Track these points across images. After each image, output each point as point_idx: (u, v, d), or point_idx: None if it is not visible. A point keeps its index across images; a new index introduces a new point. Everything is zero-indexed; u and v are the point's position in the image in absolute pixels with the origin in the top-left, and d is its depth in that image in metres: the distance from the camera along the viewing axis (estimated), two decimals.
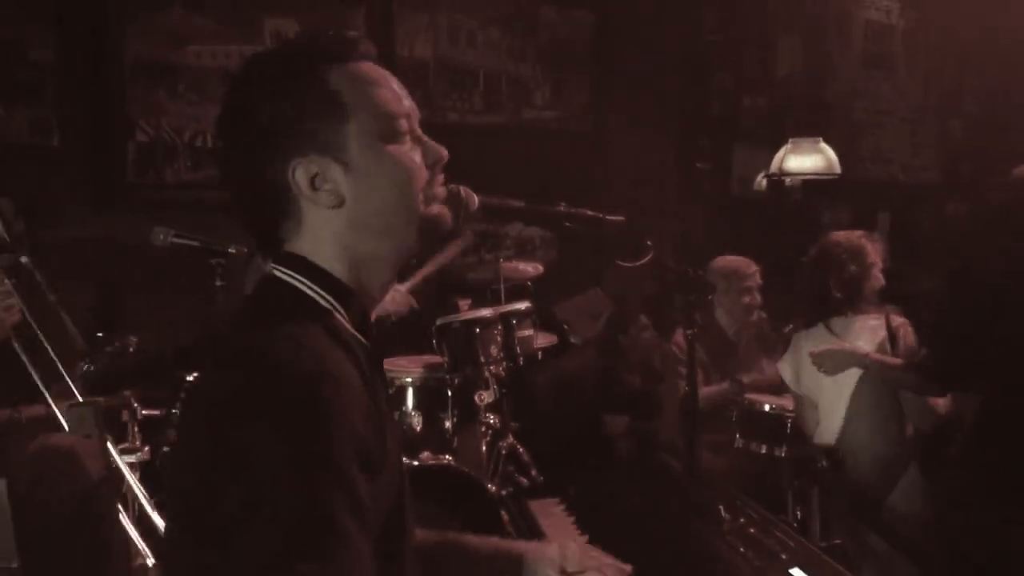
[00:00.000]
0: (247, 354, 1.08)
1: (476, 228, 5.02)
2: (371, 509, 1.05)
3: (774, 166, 5.17)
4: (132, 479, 2.62)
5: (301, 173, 1.15)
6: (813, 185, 5.54)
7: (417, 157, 1.21)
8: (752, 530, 1.48)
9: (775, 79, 6.44)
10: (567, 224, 1.43)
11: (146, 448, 2.91)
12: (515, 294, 3.89)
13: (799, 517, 3.34)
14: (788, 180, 5.26)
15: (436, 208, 1.22)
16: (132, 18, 4.25)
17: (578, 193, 5.59)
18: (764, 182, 5.87)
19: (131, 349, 2.91)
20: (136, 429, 2.92)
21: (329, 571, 0.97)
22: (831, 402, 3.31)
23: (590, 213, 1.43)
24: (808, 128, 5.74)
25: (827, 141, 5.24)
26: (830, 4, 6.60)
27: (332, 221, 1.18)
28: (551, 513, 1.79)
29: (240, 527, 0.98)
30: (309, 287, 1.17)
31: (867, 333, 3.32)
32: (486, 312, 3.37)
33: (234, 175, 1.20)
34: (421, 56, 4.97)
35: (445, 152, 1.24)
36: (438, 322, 3.36)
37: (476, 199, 1.32)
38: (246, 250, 2.80)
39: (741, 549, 1.42)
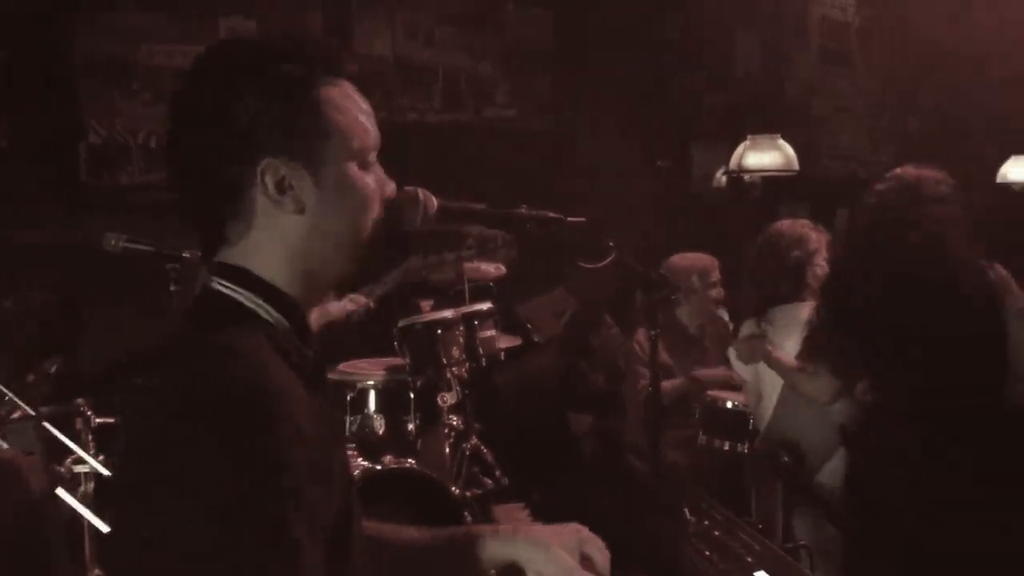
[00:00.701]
0: (190, 369, 1.06)
1: (437, 228, 4.99)
2: (321, 516, 1.06)
3: (733, 163, 5.19)
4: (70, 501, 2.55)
5: (271, 173, 1.14)
6: (772, 182, 5.58)
7: (373, 185, 1.21)
8: (717, 533, 1.47)
9: (734, 77, 6.47)
10: (528, 226, 1.41)
11: (101, 456, 2.84)
12: (477, 295, 3.86)
13: (762, 512, 3.35)
14: (747, 177, 5.29)
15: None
16: (84, 16, 4.17)
17: (539, 192, 5.58)
18: (724, 179, 5.90)
19: (52, 371, 2.84)
20: (90, 438, 2.85)
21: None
22: (769, 390, 3.31)
23: (551, 215, 1.42)
24: (767, 125, 5.78)
25: (786, 138, 5.27)
26: (787, 2, 6.66)
27: (285, 228, 1.16)
28: (516, 518, 1.77)
29: (192, 535, 0.97)
30: (251, 300, 1.15)
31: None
32: (448, 313, 3.34)
33: (192, 163, 1.16)
34: (380, 54, 4.93)
35: (394, 187, 1.25)
36: (400, 324, 3.32)
37: (435, 202, 1.30)
38: (201, 254, 2.75)
39: (707, 552, 1.41)
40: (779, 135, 5.10)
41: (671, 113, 6.22)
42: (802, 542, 2.24)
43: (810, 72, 6.84)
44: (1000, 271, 2.64)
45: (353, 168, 1.18)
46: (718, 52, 6.37)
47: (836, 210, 6.86)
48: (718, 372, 3.93)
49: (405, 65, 5.01)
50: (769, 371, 3.25)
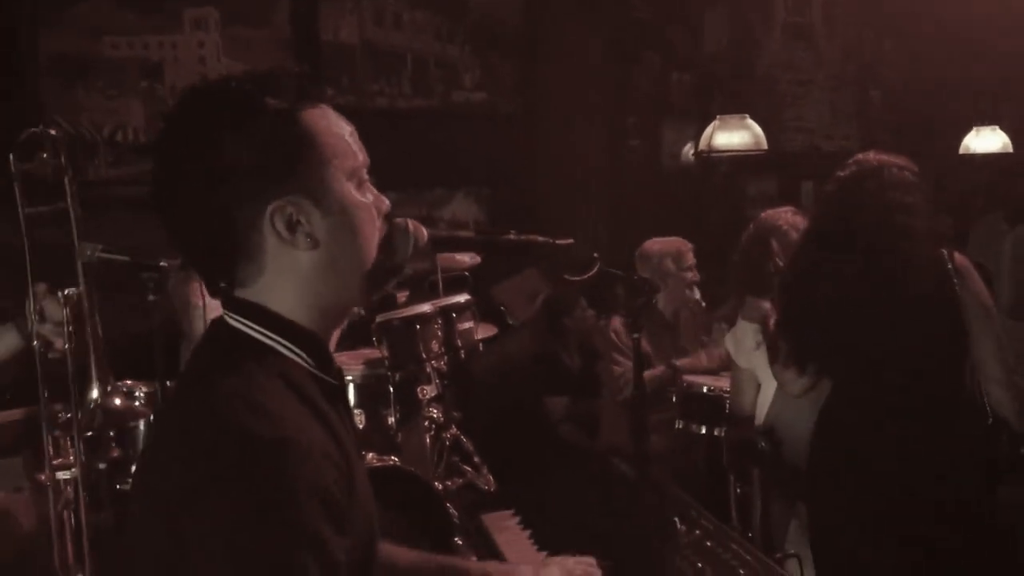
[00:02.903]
0: (206, 425, 1.06)
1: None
2: (344, 562, 1.06)
3: (702, 143, 5.22)
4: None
5: (279, 215, 1.13)
6: (740, 158, 5.62)
7: (372, 202, 1.21)
8: (708, 543, 1.50)
9: (702, 54, 6.49)
10: (519, 251, 1.42)
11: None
12: (453, 284, 3.86)
13: (739, 492, 3.39)
14: (714, 155, 5.31)
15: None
16: (43, 11, 4.08)
17: (510, 174, 5.52)
18: (692, 155, 5.94)
19: None
20: (70, 443, 2.82)
21: None
22: (768, 377, 3.30)
23: (540, 239, 1.42)
24: (734, 101, 5.80)
25: (752, 113, 5.30)
26: None
27: (300, 264, 1.15)
28: (505, 527, 1.79)
29: None
30: (265, 334, 1.15)
31: None
32: (426, 307, 3.33)
33: (191, 217, 1.14)
34: (347, 40, 4.87)
35: (389, 204, 1.24)
36: (377, 320, 3.31)
37: (425, 233, 1.30)
38: (179, 262, 2.73)
39: (699, 564, 1.44)
40: (747, 115, 5.12)
41: (640, 92, 6.23)
42: (792, 551, 2.27)
43: (776, 47, 6.87)
44: (961, 260, 2.60)
45: (353, 189, 1.18)
46: (686, 31, 6.38)
47: (801, 183, 6.95)
48: (698, 360, 3.96)
49: (373, 51, 4.96)
50: (766, 360, 3.22)
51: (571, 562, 1.40)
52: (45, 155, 2.72)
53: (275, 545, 0.99)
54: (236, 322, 1.16)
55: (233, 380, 1.09)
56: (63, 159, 2.61)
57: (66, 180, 2.58)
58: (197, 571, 1.00)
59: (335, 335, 1.23)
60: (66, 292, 2.59)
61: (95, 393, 2.78)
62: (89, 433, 2.78)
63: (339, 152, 1.17)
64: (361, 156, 1.20)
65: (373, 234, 1.20)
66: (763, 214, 3.29)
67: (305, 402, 1.12)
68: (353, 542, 1.09)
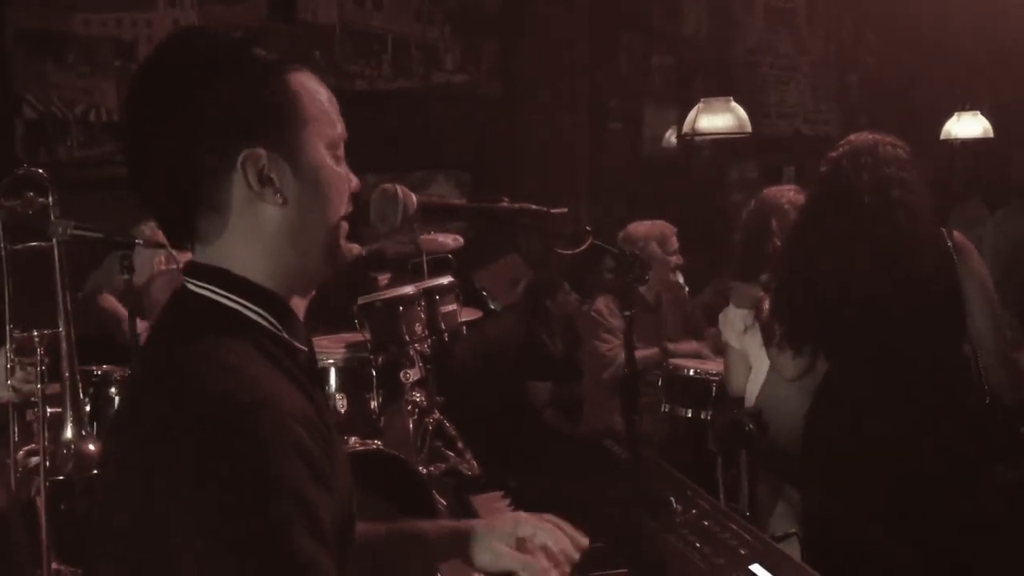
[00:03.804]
0: (179, 389, 1.01)
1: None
2: (329, 523, 1.02)
3: (686, 126, 5.17)
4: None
5: (252, 164, 1.08)
6: (721, 142, 5.58)
7: (345, 176, 1.17)
8: (706, 523, 1.46)
9: (682, 37, 6.45)
10: (510, 219, 1.36)
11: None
12: (436, 267, 3.80)
13: (726, 474, 3.37)
14: (697, 138, 5.27)
15: (344, 245, 1.18)
16: None
17: (491, 156, 5.48)
18: (673, 140, 5.90)
19: None
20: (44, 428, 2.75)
21: None
22: (758, 360, 3.27)
23: (534, 207, 1.37)
24: (716, 85, 5.77)
25: (734, 98, 5.26)
26: None
27: (265, 222, 1.11)
28: (495, 509, 1.74)
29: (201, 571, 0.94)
30: (231, 298, 1.10)
31: None
32: (408, 289, 3.28)
33: (162, 157, 1.08)
34: (325, 21, 4.79)
35: (358, 183, 1.19)
36: (360, 302, 3.25)
37: (414, 199, 1.25)
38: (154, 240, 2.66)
39: (697, 544, 1.40)
40: (731, 98, 5.08)
41: (621, 75, 6.18)
42: (793, 530, 2.23)
43: (757, 31, 6.84)
44: (959, 237, 2.57)
45: (329, 158, 1.14)
46: (666, 13, 6.34)
47: (783, 168, 6.94)
48: (691, 347, 3.93)
49: (353, 32, 4.88)
50: (756, 343, 3.19)
51: (524, 515, 1.36)
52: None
53: (261, 505, 0.95)
54: (200, 288, 1.10)
55: (202, 344, 1.04)
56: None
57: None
58: (183, 541, 0.95)
59: (302, 307, 1.18)
60: (37, 333, 2.55)
61: (69, 434, 2.72)
62: (60, 477, 2.72)
63: (319, 118, 1.13)
64: (340, 127, 1.16)
65: (341, 206, 1.16)
66: (765, 191, 3.20)
67: (278, 366, 1.08)
68: (334, 511, 1.05)
